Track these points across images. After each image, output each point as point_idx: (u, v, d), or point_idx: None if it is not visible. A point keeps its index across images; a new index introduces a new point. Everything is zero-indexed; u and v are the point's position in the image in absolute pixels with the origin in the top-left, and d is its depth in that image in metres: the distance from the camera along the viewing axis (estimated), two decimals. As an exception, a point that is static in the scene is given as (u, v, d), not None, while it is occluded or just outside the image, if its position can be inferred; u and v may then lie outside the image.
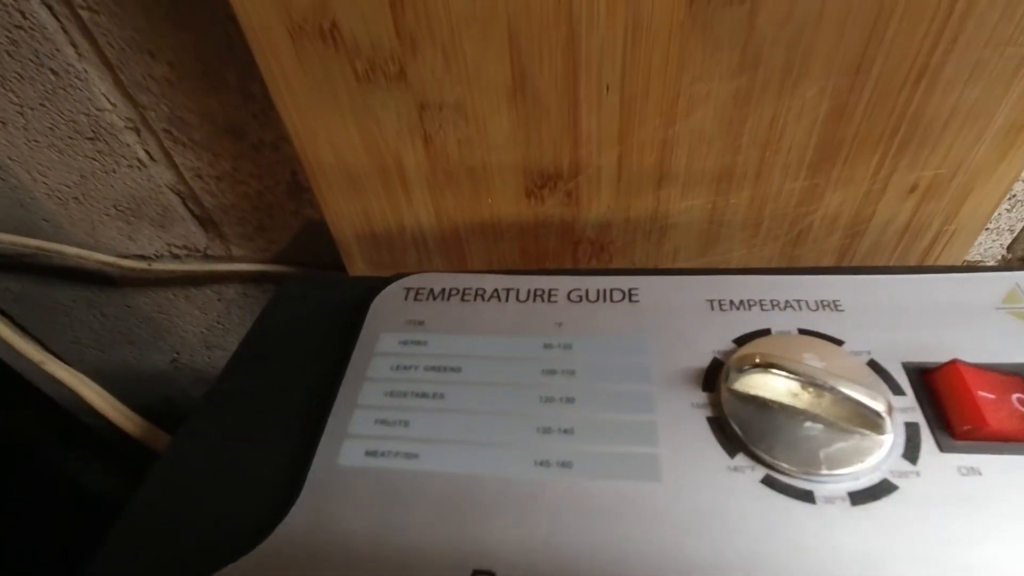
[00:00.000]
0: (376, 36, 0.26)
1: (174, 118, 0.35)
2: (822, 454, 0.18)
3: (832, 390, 0.18)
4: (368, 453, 0.20)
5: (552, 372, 0.22)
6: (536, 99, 0.28)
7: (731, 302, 0.23)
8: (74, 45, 0.32)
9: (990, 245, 0.37)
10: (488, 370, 0.22)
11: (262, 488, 0.20)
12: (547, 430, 0.20)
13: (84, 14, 0.31)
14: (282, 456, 0.21)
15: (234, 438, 0.22)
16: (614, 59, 0.26)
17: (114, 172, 0.39)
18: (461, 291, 0.25)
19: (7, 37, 0.32)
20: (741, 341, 0.22)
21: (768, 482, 0.18)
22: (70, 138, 0.37)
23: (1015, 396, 0.18)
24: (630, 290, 0.24)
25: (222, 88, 0.33)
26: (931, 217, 0.31)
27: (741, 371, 0.19)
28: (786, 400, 0.19)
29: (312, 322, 0.26)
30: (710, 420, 0.20)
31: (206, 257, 0.45)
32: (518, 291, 0.25)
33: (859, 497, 0.18)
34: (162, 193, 0.40)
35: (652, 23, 0.25)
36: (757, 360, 0.19)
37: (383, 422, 0.21)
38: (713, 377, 0.21)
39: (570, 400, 0.21)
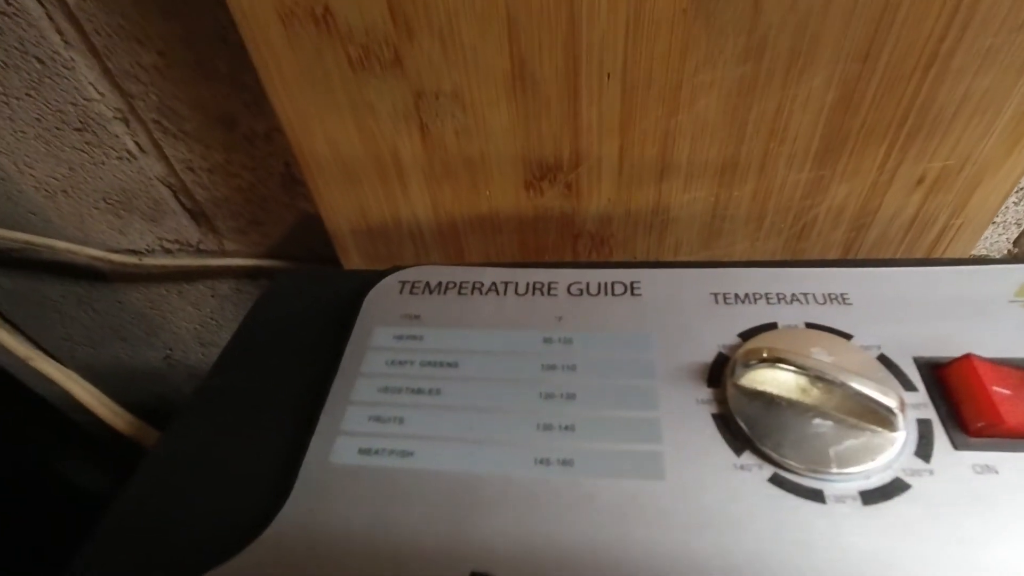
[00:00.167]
0: (370, 21, 0.25)
1: (164, 108, 0.34)
2: (832, 452, 0.17)
3: (842, 386, 0.18)
4: (361, 451, 0.20)
5: (552, 367, 0.21)
6: (536, 87, 0.27)
7: (736, 295, 0.23)
8: (60, 32, 0.32)
9: (996, 239, 0.36)
10: (486, 365, 0.22)
11: (252, 487, 0.20)
12: (547, 427, 0.19)
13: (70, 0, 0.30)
14: (273, 454, 0.20)
15: (224, 435, 0.22)
16: (616, 46, 0.25)
17: (103, 164, 0.38)
18: (458, 284, 0.25)
19: (-9, 24, 0.31)
20: (747, 335, 0.21)
21: (776, 481, 0.18)
22: (57, 129, 0.36)
23: (1031, 392, 0.18)
24: (632, 283, 0.24)
25: (213, 77, 0.32)
26: (938, 210, 0.31)
27: (747, 366, 0.19)
28: (794, 396, 0.19)
29: (305, 317, 0.26)
30: (715, 417, 0.19)
31: (199, 252, 0.44)
32: (517, 284, 0.24)
33: (871, 496, 0.17)
34: (153, 186, 0.39)
35: (655, 9, 0.24)
36: (764, 355, 0.18)
37: (377, 419, 0.20)
38: (718, 372, 0.20)
39: (571, 396, 0.20)
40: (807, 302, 0.22)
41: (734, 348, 0.21)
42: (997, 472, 0.17)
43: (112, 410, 0.41)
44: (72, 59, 0.33)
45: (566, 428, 0.19)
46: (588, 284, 0.24)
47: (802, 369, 0.18)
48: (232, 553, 0.18)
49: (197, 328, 0.53)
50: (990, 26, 0.24)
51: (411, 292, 0.25)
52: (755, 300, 0.22)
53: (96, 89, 0.34)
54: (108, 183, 0.40)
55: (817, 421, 0.18)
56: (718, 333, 0.21)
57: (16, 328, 0.52)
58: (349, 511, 0.18)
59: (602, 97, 0.27)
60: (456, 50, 0.26)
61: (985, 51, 0.25)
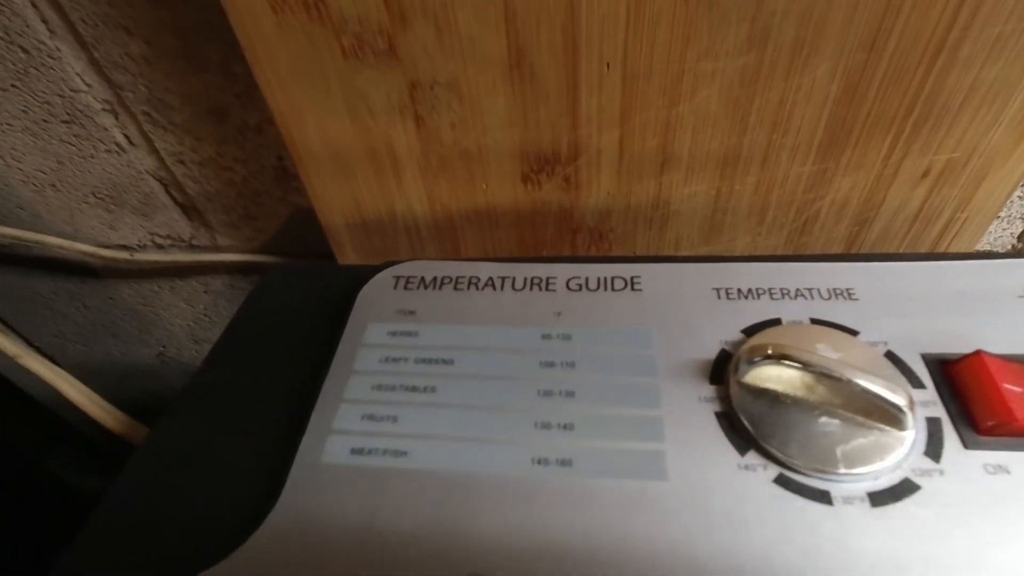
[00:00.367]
0: (364, 8, 0.24)
1: (153, 99, 0.34)
2: (839, 451, 0.17)
3: (849, 383, 0.17)
4: (354, 451, 0.19)
5: (551, 364, 0.20)
6: (534, 77, 0.26)
7: (739, 291, 0.22)
8: (45, 21, 0.31)
9: (1000, 234, 0.36)
10: (482, 362, 0.21)
11: (240, 488, 0.19)
12: (546, 426, 0.19)
13: (55, -13, 0.29)
14: (263, 454, 0.20)
15: (212, 434, 0.21)
16: (616, 34, 0.25)
17: (92, 157, 0.37)
18: (454, 279, 0.24)
19: (-26, 12, 0.31)
20: (750, 331, 0.21)
21: (781, 481, 0.17)
22: (44, 121, 0.35)
23: (1044, 389, 0.17)
24: (632, 278, 0.23)
25: (203, 67, 0.32)
26: (943, 204, 0.30)
27: (752, 363, 0.18)
28: (800, 394, 0.18)
29: (297, 313, 0.25)
30: (719, 415, 0.19)
31: (191, 247, 0.44)
32: (514, 279, 0.24)
33: (879, 497, 0.16)
34: (143, 180, 0.39)
35: (656, -4, 0.23)
36: (769, 351, 0.18)
37: (370, 417, 0.20)
38: (721, 369, 0.20)
39: (570, 394, 0.20)
40: (812, 297, 0.21)
41: (737, 344, 0.20)
42: (1009, 472, 0.16)
43: (103, 408, 0.40)
44: (58, 49, 0.32)
45: (565, 427, 0.19)
46: (587, 279, 0.23)
47: (808, 366, 0.18)
48: (219, 557, 0.17)
49: (190, 324, 0.52)
50: (1000, 14, 0.23)
51: (406, 287, 0.24)
52: (758, 295, 0.22)
53: (83, 80, 0.33)
54: (98, 177, 0.39)
55: (824, 420, 0.18)
56: (721, 329, 0.21)
57: (7, 325, 0.52)
58: (341, 513, 0.18)
59: (602, 87, 0.26)
60: (452, 39, 0.25)
61: (994, 40, 0.24)
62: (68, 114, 0.35)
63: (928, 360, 0.19)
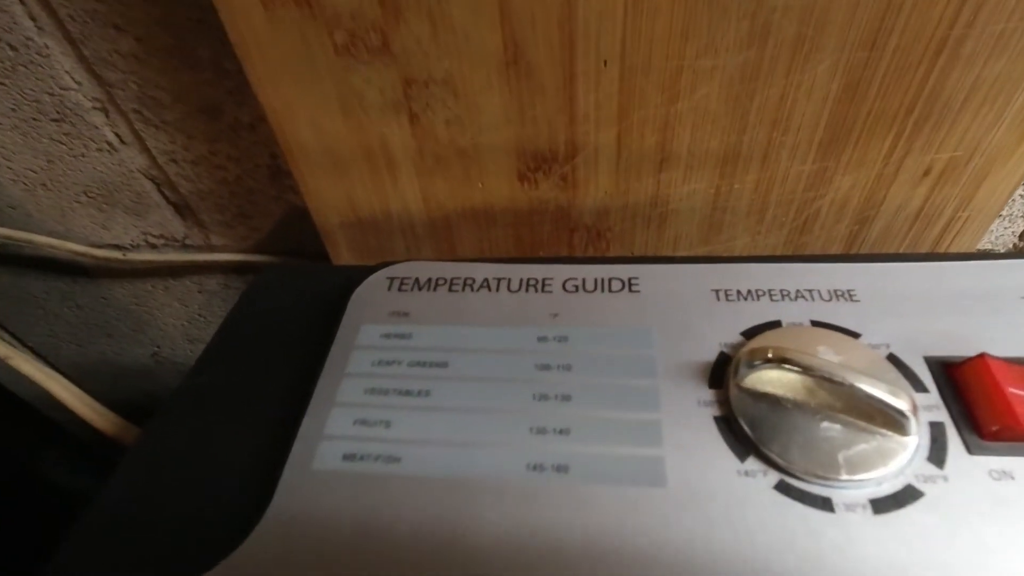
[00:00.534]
0: (356, 3, 0.24)
1: (144, 97, 0.33)
2: (841, 457, 0.17)
3: (851, 387, 0.17)
4: (346, 456, 0.19)
5: (547, 367, 0.20)
6: (530, 74, 0.26)
7: (738, 292, 0.22)
8: (33, 18, 0.30)
9: (1001, 233, 0.36)
10: (477, 365, 0.21)
11: (229, 496, 0.19)
12: (541, 430, 0.19)
13: (42, -17, 0.29)
14: (253, 459, 0.19)
15: (201, 439, 0.21)
16: (613, 29, 0.24)
17: (83, 156, 0.37)
18: (449, 280, 0.24)
19: (-40, 8, 0.30)
20: (750, 334, 0.20)
21: (782, 488, 0.17)
22: (34, 119, 0.35)
23: (1049, 393, 0.17)
24: (630, 279, 0.23)
25: (194, 64, 0.31)
26: (944, 202, 0.30)
27: (751, 366, 0.18)
28: (801, 398, 0.18)
29: (289, 314, 0.25)
30: (718, 419, 0.18)
31: (184, 247, 0.43)
32: (510, 280, 0.23)
33: (882, 504, 0.16)
34: (135, 178, 0.38)
35: (654, -9, 0.23)
36: (769, 354, 0.17)
37: (363, 422, 0.19)
38: (720, 373, 0.19)
39: (566, 398, 0.19)
40: (812, 299, 0.21)
41: (737, 347, 0.20)
42: (1014, 478, 0.16)
43: (95, 410, 0.39)
44: (46, 46, 0.31)
45: (561, 431, 0.18)
46: (584, 280, 0.23)
47: (808, 369, 0.17)
48: (207, 566, 0.17)
49: (185, 325, 0.51)
50: (1002, 11, 0.23)
51: (400, 289, 0.24)
52: (758, 297, 0.21)
53: (72, 78, 0.33)
54: (89, 176, 0.38)
55: (825, 425, 0.17)
56: (720, 331, 0.20)
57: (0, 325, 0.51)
58: (332, 521, 0.17)
59: (599, 84, 0.26)
60: (447, 34, 0.25)
61: (996, 37, 0.24)
62: (58, 112, 0.35)
63: (931, 363, 0.19)
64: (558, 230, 0.33)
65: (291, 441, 0.19)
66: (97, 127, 0.35)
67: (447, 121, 0.28)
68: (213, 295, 0.48)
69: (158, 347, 0.54)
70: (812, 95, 0.26)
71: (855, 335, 0.20)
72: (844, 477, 0.16)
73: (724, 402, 0.19)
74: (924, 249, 0.32)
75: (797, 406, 0.18)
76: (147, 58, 0.31)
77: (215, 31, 0.30)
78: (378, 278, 0.24)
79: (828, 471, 0.16)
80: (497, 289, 0.23)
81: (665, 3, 0.23)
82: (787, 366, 0.17)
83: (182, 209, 0.40)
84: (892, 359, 0.19)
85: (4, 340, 0.41)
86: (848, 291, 0.21)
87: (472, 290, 0.23)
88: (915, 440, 0.17)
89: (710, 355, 0.20)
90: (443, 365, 0.21)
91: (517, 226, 0.33)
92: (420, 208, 0.32)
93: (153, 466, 0.20)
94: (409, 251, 0.34)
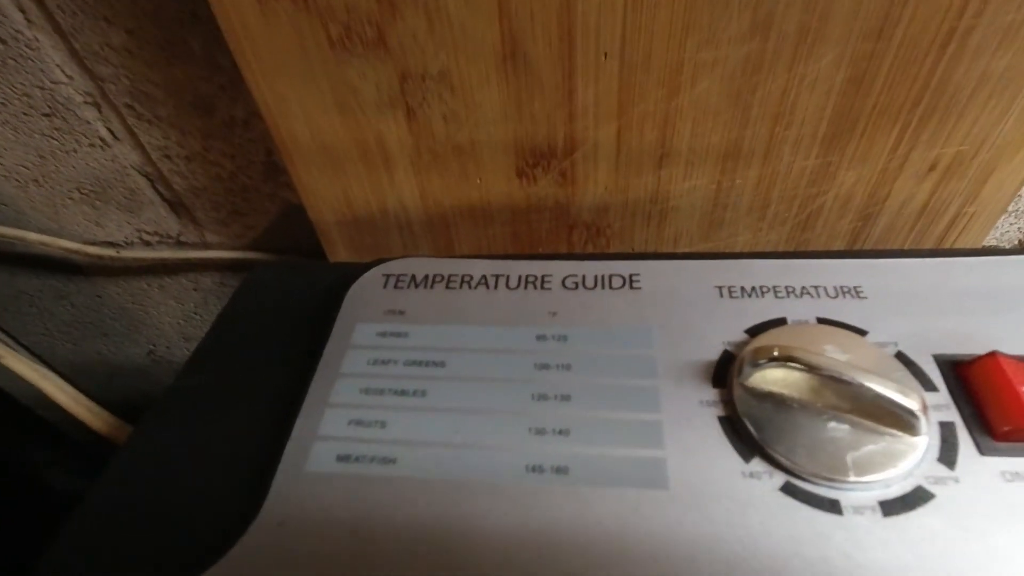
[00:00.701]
0: (350, -5, 0.23)
1: (136, 92, 0.33)
2: (849, 458, 0.16)
3: (859, 386, 0.16)
4: (340, 458, 0.18)
5: (546, 366, 0.20)
6: (528, 68, 0.25)
7: (742, 289, 0.21)
8: (22, 10, 0.30)
9: (1007, 229, 0.35)
10: (475, 364, 0.20)
11: (220, 498, 0.18)
12: (540, 431, 0.18)
13: (31, -25, 0.28)
14: (245, 461, 0.19)
15: (191, 440, 0.20)
16: (613, 23, 0.24)
17: (75, 152, 0.36)
18: (446, 278, 0.23)
19: (-52, 1, 0.29)
20: (754, 332, 0.20)
21: (788, 490, 0.16)
22: (24, 114, 0.34)
23: (1062, 392, 0.17)
24: (631, 276, 0.22)
25: (187, 58, 0.31)
26: (950, 198, 0.29)
27: (756, 365, 0.17)
28: (807, 397, 0.17)
29: (282, 313, 0.24)
30: (722, 420, 0.18)
31: (179, 244, 0.43)
32: (508, 277, 0.23)
33: (891, 507, 0.16)
34: (128, 175, 0.38)
35: (655, -18, 0.22)
36: (775, 352, 0.17)
37: (358, 423, 0.19)
38: (724, 372, 0.19)
39: (566, 398, 0.19)
40: (818, 296, 0.21)
41: (741, 345, 0.19)
42: (1027, 479, 0.16)
43: (90, 409, 0.39)
44: (36, 39, 0.31)
45: (560, 432, 0.18)
46: (584, 277, 0.22)
47: (815, 368, 0.17)
48: (196, 571, 0.16)
49: (180, 323, 0.51)
50: (1012, 0, 0.22)
51: (396, 286, 0.23)
52: (762, 293, 0.21)
53: (63, 71, 0.32)
54: (81, 172, 0.38)
55: (832, 425, 0.17)
56: (723, 329, 0.20)
57: (-8, 324, 0.51)
58: (326, 523, 0.17)
59: (599, 78, 0.25)
60: (443, 27, 0.24)
61: (1006, 27, 0.23)
62: (49, 107, 0.34)
63: (940, 361, 0.18)
64: (557, 227, 0.32)
65: (284, 442, 0.19)
66: (89, 122, 0.35)
67: (444, 116, 0.27)
68: (209, 293, 0.47)
69: (154, 346, 0.54)
70: (816, 88, 0.25)
71: (862, 333, 0.19)
72: (852, 479, 0.16)
73: (728, 402, 0.18)
74: (928, 246, 0.32)
75: (803, 406, 0.17)
76: (139, 52, 0.31)
77: (208, 24, 0.29)
78: (374, 275, 0.24)
79: (836, 472, 0.16)
80: (495, 286, 0.22)
81: (666, -6, 0.23)
82: (793, 365, 0.17)
83: (176, 206, 0.40)
84: (900, 357, 0.18)
85: (-4, 339, 0.41)
86: (855, 288, 0.21)
87: (470, 287, 0.23)
88: (925, 441, 0.16)
89: (713, 353, 0.19)
90: (440, 364, 0.20)
91: (515, 223, 0.32)
92: (417, 205, 0.31)
93: (142, 467, 0.20)
94: (406, 248, 0.34)
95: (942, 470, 0.16)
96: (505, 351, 0.20)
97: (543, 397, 0.19)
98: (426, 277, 0.23)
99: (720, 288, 0.21)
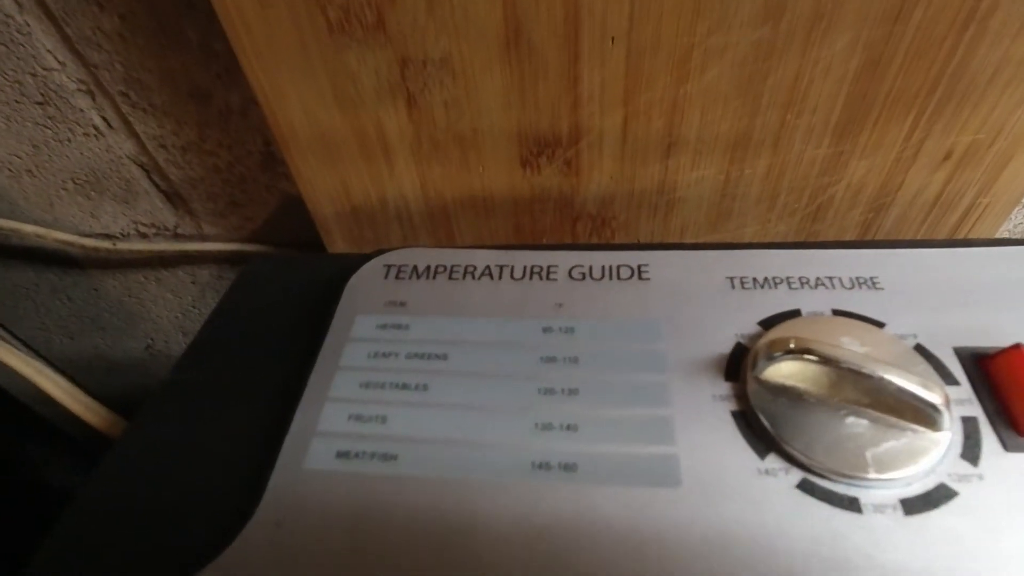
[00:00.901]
0: (349, -24, 0.23)
1: (130, 79, 0.32)
2: (869, 455, 0.16)
3: (879, 380, 0.16)
4: (339, 454, 0.18)
5: (552, 360, 0.19)
6: (532, 53, 0.24)
7: (754, 280, 0.21)
8: (12, -6, 0.29)
9: (1020, 221, 0.35)
10: (479, 358, 0.19)
11: (217, 495, 0.18)
12: (547, 427, 0.17)
13: (21, -42, 0.27)
14: (242, 457, 0.18)
15: (187, 436, 0.19)
16: (621, 5, 0.23)
17: (69, 141, 0.36)
18: (448, 268, 0.22)
19: (-65, -15, 0.29)
20: (768, 324, 0.19)
21: (805, 487, 0.16)
22: (16, 102, 0.34)
23: (1090, 386, 0.16)
24: (639, 267, 0.22)
25: (181, 45, 0.30)
26: (964, 188, 0.29)
27: (771, 358, 0.17)
28: (825, 391, 0.17)
29: (280, 305, 0.24)
30: (735, 415, 0.17)
31: (176, 236, 0.42)
32: (513, 268, 0.22)
33: (913, 505, 0.15)
34: (123, 165, 0.37)
35: (664, -37, 0.22)
36: (791, 345, 0.16)
37: (357, 418, 0.18)
38: (737, 365, 0.18)
39: (573, 392, 0.18)
40: (833, 287, 0.20)
41: (755, 338, 0.19)
42: (1055, 477, 0.15)
43: (86, 405, 0.38)
44: (27, 24, 0.30)
45: (568, 428, 0.17)
46: (591, 267, 0.22)
47: (832, 361, 0.16)
48: (192, 570, 0.15)
49: (178, 317, 0.50)
50: (1034, -18, 0.22)
51: (397, 277, 0.23)
52: (775, 285, 0.20)
53: (56, 58, 0.31)
54: (75, 162, 0.37)
55: (851, 420, 0.16)
56: (736, 321, 0.19)
57: (-12, 318, 0.50)
58: (324, 522, 0.16)
59: (605, 63, 0.25)
60: (444, 12, 0.24)
61: (1027, 10, 0.22)
62: (42, 95, 0.33)
63: (961, 354, 0.18)
64: (561, 219, 0.31)
65: (282, 438, 0.18)
66: (83, 110, 0.34)
67: (445, 104, 0.27)
68: (207, 286, 0.46)
69: (152, 340, 0.53)
70: (829, 74, 0.24)
71: (880, 324, 0.19)
72: (872, 476, 0.15)
73: (741, 396, 0.17)
74: (941, 238, 0.31)
75: (821, 400, 0.17)
76: (132, 37, 0.30)
77: (203, 9, 0.28)
78: (374, 266, 0.23)
79: (855, 469, 0.15)
80: (499, 277, 0.22)
81: (677, -26, 0.22)
82: (810, 357, 0.16)
83: (172, 197, 0.39)
84: (920, 350, 0.18)
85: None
86: (871, 278, 0.20)
87: (473, 278, 0.22)
88: (948, 436, 0.16)
89: (726, 346, 0.19)
90: (442, 358, 0.20)
91: (518, 215, 0.31)
92: (418, 196, 0.31)
93: (137, 464, 0.19)
94: (406, 241, 0.33)
95: (965, 467, 0.16)
96: (510, 344, 0.20)
97: (549, 391, 0.18)
98: (428, 268, 0.23)
99: (731, 279, 0.21)
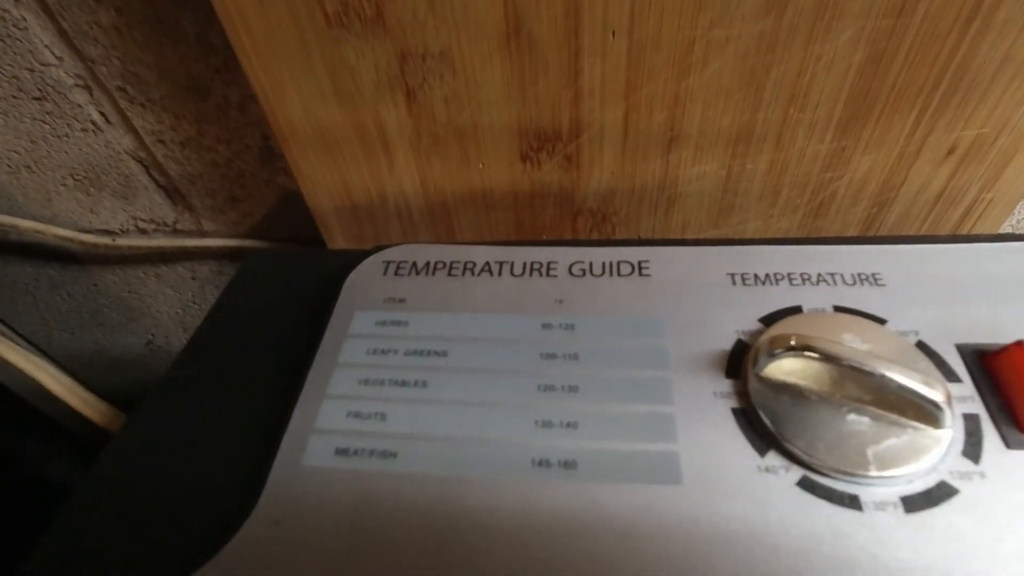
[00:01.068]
0: (347, -31, 0.22)
1: (128, 74, 0.32)
2: (870, 452, 0.15)
3: (880, 377, 0.15)
4: (338, 451, 0.17)
5: (552, 356, 0.19)
6: (532, 46, 0.24)
7: (755, 276, 0.20)
8: (8, -12, 0.29)
9: (1023, 216, 0.34)
10: (478, 354, 0.19)
11: (215, 492, 0.18)
12: (547, 424, 0.17)
13: (17, -49, 0.27)
14: (240, 455, 0.18)
15: (185, 433, 0.19)
16: (622, -2, 0.23)
17: (67, 137, 0.35)
18: (448, 264, 0.22)
19: (-69, -21, 0.28)
20: (769, 320, 0.19)
21: (806, 485, 0.15)
22: (14, 97, 0.33)
23: (1094, 383, 0.16)
24: (640, 263, 0.21)
25: (179, 39, 0.30)
26: (968, 184, 0.28)
27: (772, 355, 0.17)
28: (826, 389, 0.16)
29: (279, 302, 0.23)
30: (736, 412, 0.17)
31: (175, 232, 0.42)
32: (513, 264, 0.22)
33: (914, 503, 0.15)
34: (122, 160, 0.37)
35: (666, -44, 0.21)
36: (792, 342, 0.16)
37: (356, 415, 0.18)
38: (738, 362, 0.18)
39: (573, 389, 0.18)
40: (835, 283, 0.20)
41: (756, 335, 0.19)
42: (1057, 475, 0.15)
43: (86, 400, 0.38)
44: (23, 18, 0.30)
45: (568, 425, 0.17)
46: (592, 263, 0.22)
47: (834, 358, 0.16)
48: (190, 568, 0.15)
49: (178, 312, 0.50)
50: (1040, -25, 0.21)
51: (396, 273, 0.22)
52: (777, 281, 0.20)
53: (53, 52, 0.31)
54: (74, 157, 0.37)
55: (852, 417, 0.16)
56: (737, 318, 0.19)
57: (-12, 314, 0.50)
58: (323, 520, 0.16)
59: (606, 57, 0.24)
60: (444, 5, 0.23)
61: (1033, 3, 0.22)
62: (39, 90, 0.33)
63: (963, 351, 0.18)
64: (561, 214, 0.31)
65: (281, 435, 0.18)
66: (80, 106, 0.34)
67: (445, 98, 0.26)
68: (206, 282, 0.46)
69: (152, 335, 0.53)
70: (832, 68, 0.24)
71: (881, 321, 0.18)
72: (873, 473, 0.15)
73: (742, 393, 0.17)
74: (944, 233, 0.31)
75: (822, 397, 0.16)
76: (129, 32, 0.30)
77: (200, 2, 0.28)
78: (373, 262, 0.23)
79: (856, 467, 0.15)
80: (499, 273, 0.22)
81: (678, -33, 0.22)
82: (811, 354, 0.16)
83: (171, 193, 0.39)
84: (922, 347, 0.18)
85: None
86: (873, 275, 0.20)
87: (472, 274, 0.22)
88: (949, 434, 0.16)
89: (727, 343, 0.19)
90: (442, 354, 0.19)
91: (518, 210, 0.31)
92: (417, 191, 0.31)
93: (135, 460, 0.19)
94: (406, 236, 0.33)
95: (967, 464, 0.15)
96: (510, 340, 0.20)
97: (550, 388, 0.18)
98: (427, 264, 0.22)
99: (733, 275, 0.21)
